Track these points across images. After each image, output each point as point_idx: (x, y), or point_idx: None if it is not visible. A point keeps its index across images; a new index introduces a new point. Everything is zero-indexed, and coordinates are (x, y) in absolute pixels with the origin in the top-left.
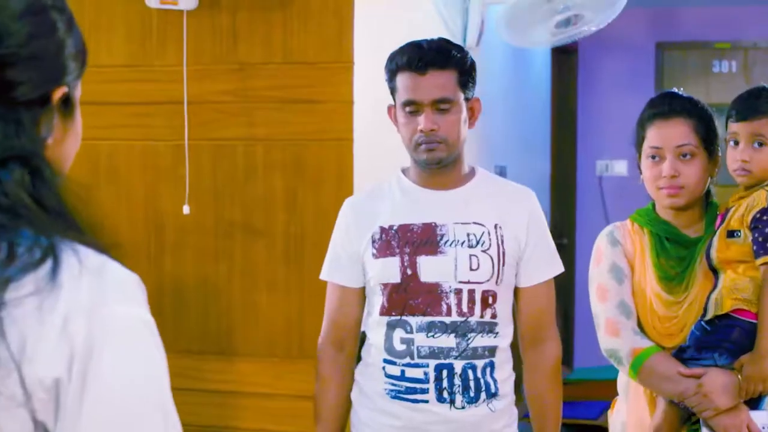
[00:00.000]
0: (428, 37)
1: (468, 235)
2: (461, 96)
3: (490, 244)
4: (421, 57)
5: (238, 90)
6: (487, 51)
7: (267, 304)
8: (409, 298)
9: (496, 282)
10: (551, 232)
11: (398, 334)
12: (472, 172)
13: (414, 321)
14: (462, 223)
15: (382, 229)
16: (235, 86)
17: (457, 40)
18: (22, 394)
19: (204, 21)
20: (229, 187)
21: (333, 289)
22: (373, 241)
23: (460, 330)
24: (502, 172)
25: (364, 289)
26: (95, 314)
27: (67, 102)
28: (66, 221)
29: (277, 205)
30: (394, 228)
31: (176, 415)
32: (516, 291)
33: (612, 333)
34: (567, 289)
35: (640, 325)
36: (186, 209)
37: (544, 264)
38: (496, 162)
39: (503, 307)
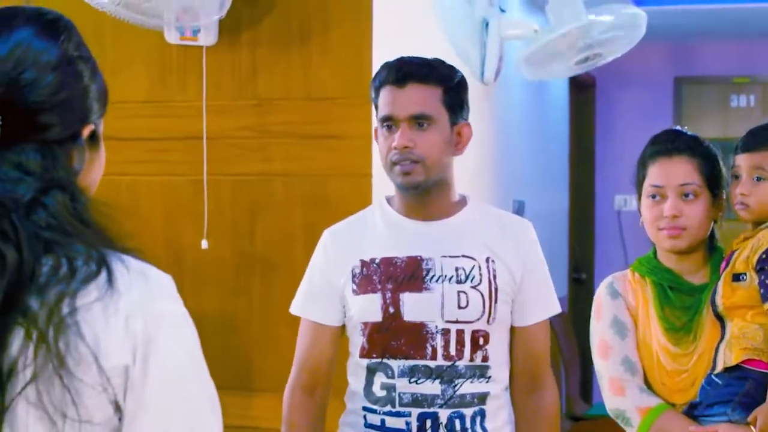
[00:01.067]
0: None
1: (457, 269)
2: (445, 116)
3: (480, 280)
4: (401, 69)
5: (257, 125)
6: (506, 85)
7: (286, 339)
8: (390, 338)
9: (488, 321)
10: (570, 266)
11: (379, 378)
12: (463, 201)
13: (396, 365)
14: (450, 257)
15: (363, 263)
16: (254, 121)
17: (475, 75)
18: (101, 381)
19: (223, 57)
20: (248, 222)
21: (306, 327)
22: (354, 276)
23: (446, 375)
24: (520, 207)
25: (340, 328)
26: (147, 311)
27: (93, 136)
28: (104, 235)
29: (296, 240)
30: (376, 261)
31: (212, 383)
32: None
33: (617, 392)
34: (585, 322)
35: (647, 381)
36: (204, 244)
37: (541, 302)
38: (514, 196)
39: (497, 348)
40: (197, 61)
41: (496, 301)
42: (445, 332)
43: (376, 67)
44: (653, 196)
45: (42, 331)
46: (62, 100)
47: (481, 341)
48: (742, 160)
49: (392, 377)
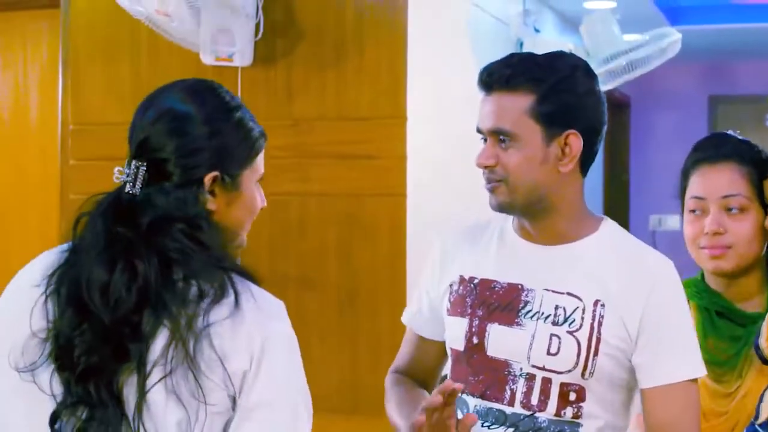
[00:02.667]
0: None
1: (556, 308)
2: (536, 129)
3: (581, 325)
4: (491, 72)
5: (293, 145)
6: None
7: (320, 358)
8: (470, 373)
9: (583, 375)
10: None
11: (456, 414)
12: (593, 226)
13: (472, 403)
14: (553, 292)
15: (462, 280)
16: (289, 141)
17: None
18: (224, 380)
19: (259, 77)
20: (283, 241)
21: (410, 333)
22: (450, 293)
23: (523, 426)
24: None
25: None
26: (265, 329)
27: (225, 180)
28: (227, 260)
29: (330, 258)
30: (475, 281)
31: (308, 393)
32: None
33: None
34: None
35: None
36: (238, 262)
37: (671, 359)
38: None
39: (598, 407)
40: (232, 81)
41: (596, 354)
42: (530, 377)
43: (410, 88)
44: (694, 210)
45: (184, 338)
46: (179, 155)
47: (573, 396)
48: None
49: None
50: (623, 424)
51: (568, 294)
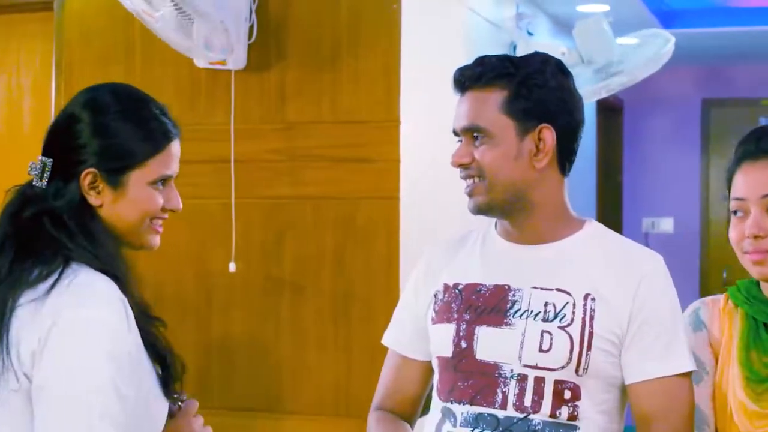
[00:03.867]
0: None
1: (546, 305)
2: (509, 124)
3: (572, 320)
4: (463, 72)
5: (286, 149)
6: None
7: (315, 362)
8: (458, 379)
9: (577, 371)
10: None
11: (444, 426)
12: (577, 225)
13: (459, 411)
14: (542, 289)
15: (446, 288)
16: (283, 145)
17: None
18: (18, 359)
19: (252, 80)
20: (277, 246)
21: (392, 356)
22: (435, 302)
23: (516, 430)
24: None
25: (429, 363)
26: (60, 313)
27: (106, 178)
28: (89, 252)
29: (325, 263)
30: (460, 287)
31: (109, 395)
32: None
33: None
34: None
35: None
36: (232, 266)
37: (657, 354)
38: None
39: (592, 407)
40: (226, 85)
41: (589, 348)
42: (522, 378)
43: (404, 91)
44: (736, 212)
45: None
46: (61, 152)
47: (567, 395)
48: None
49: (455, 425)
50: (618, 428)
51: (557, 290)
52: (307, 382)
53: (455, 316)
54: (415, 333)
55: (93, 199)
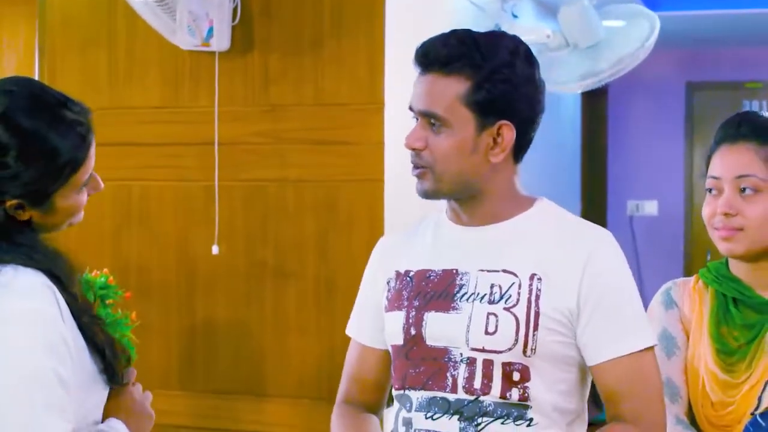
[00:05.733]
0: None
1: (492, 286)
2: (468, 117)
3: (518, 300)
4: (427, 50)
5: (270, 131)
6: None
7: (298, 345)
8: (410, 366)
9: (525, 352)
10: None
11: (400, 412)
12: (526, 204)
13: (414, 396)
14: (488, 271)
15: (398, 275)
16: (266, 128)
17: None
18: None
19: (236, 63)
20: (260, 229)
21: (354, 346)
22: (388, 290)
23: (467, 412)
24: None
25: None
26: None
27: (39, 203)
28: (22, 255)
29: (308, 246)
30: (411, 274)
31: (54, 387)
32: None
33: None
34: None
35: (692, 412)
36: (215, 249)
37: (614, 334)
38: None
39: (545, 388)
40: (210, 67)
41: (536, 329)
42: (470, 362)
43: (388, 73)
44: (710, 190)
45: None
46: None
47: (516, 377)
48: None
49: (410, 410)
50: (576, 407)
51: (503, 271)
52: (289, 365)
53: (405, 303)
54: (374, 322)
55: (21, 216)
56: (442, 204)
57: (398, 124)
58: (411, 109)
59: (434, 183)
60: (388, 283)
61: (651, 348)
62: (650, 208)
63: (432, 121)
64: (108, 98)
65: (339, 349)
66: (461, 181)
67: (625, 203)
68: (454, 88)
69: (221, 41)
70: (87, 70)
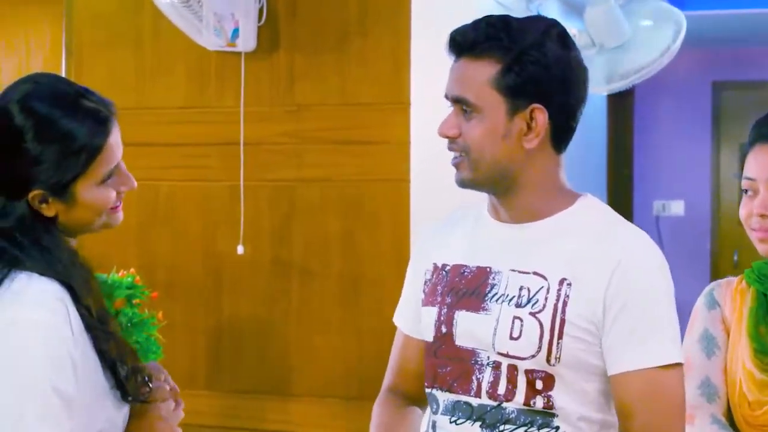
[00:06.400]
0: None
1: (521, 289)
2: (499, 100)
3: (544, 306)
4: (455, 37)
5: (295, 131)
6: None
7: (323, 344)
8: (438, 364)
9: (548, 360)
10: None
11: (429, 414)
12: (569, 201)
13: (441, 398)
14: (519, 272)
15: (435, 268)
16: (291, 128)
17: None
18: None
19: (261, 63)
20: (285, 228)
21: (398, 334)
22: (425, 283)
23: (489, 418)
24: None
25: None
26: None
27: (60, 193)
28: (41, 263)
29: (333, 245)
30: (447, 268)
31: (47, 398)
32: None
33: (687, 419)
34: None
35: (731, 412)
36: (240, 249)
37: (636, 344)
38: None
39: (571, 397)
40: (235, 67)
41: (560, 336)
42: (496, 366)
43: (413, 73)
44: (746, 191)
45: None
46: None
47: (540, 385)
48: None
49: (437, 413)
50: (604, 417)
51: (534, 273)
52: (315, 364)
53: (439, 299)
54: (415, 312)
55: (46, 211)
56: (467, 199)
57: (423, 123)
58: (446, 97)
59: (470, 171)
60: (425, 274)
61: (677, 365)
62: (677, 208)
63: (464, 107)
64: (134, 98)
65: (364, 347)
66: (496, 168)
67: (651, 203)
68: (483, 71)
69: (247, 41)
70: (113, 70)
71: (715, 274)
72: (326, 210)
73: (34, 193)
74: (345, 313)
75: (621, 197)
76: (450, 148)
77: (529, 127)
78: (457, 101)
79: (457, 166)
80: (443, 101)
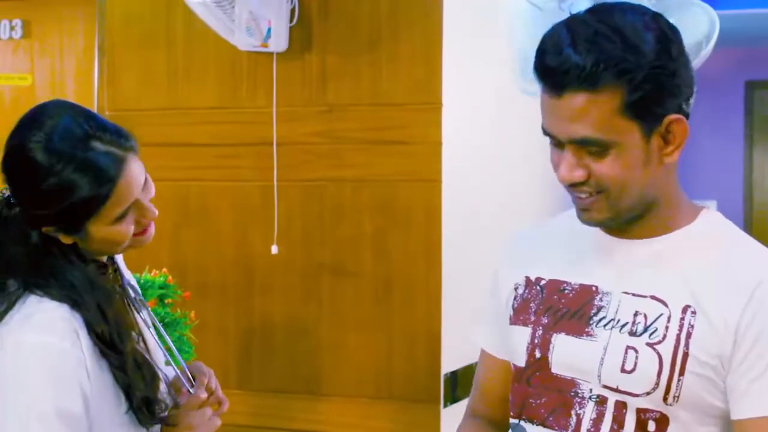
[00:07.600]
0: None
1: (636, 314)
2: (632, 127)
3: (664, 336)
4: (555, 70)
5: (327, 131)
6: None
7: (355, 344)
8: (530, 394)
9: (665, 399)
10: None
11: None
12: (690, 216)
13: (531, 431)
14: (633, 295)
15: (528, 282)
16: (323, 128)
17: None
18: None
19: (294, 63)
20: (317, 228)
21: (482, 354)
22: (515, 297)
23: None
24: None
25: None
26: (2, 342)
27: (72, 231)
28: (54, 289)
29: (365, 246)
30: (542, 283)
31: (56, 423)
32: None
33: None
34: None
35: None
36: (274, 249)
37: (766, 386)
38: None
39: None
40: (268, 67)
41: (681, 373)
42: (600, 401)
43: (446, 73)
44: None
45: None
46: (20, 199)
47: (652, 426)
48: None
49: None
50: None
51: (652, 297)
52: (346, 364)
53: (532, 318)
54: (497, 327)
55: (63, 239)
56: (500, 200)
57: (455, 123)
58: (547, 134)
59: (609, 211)
60: (516, 289)
61: None
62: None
63: (589, 149)
64: (166, 99)
65: (395, 348)
66: (641, 198)
67: None
68: (608, 102)
69: (279, 42)
70: (146, 71)
71: None
72: (358, 210)
73: (47, 229)
74: (376, 313)
75: None
76: (579, 192)
77: (665, 140)
78: (580, 143)
79: (589, 207)
80: (476, 101)
